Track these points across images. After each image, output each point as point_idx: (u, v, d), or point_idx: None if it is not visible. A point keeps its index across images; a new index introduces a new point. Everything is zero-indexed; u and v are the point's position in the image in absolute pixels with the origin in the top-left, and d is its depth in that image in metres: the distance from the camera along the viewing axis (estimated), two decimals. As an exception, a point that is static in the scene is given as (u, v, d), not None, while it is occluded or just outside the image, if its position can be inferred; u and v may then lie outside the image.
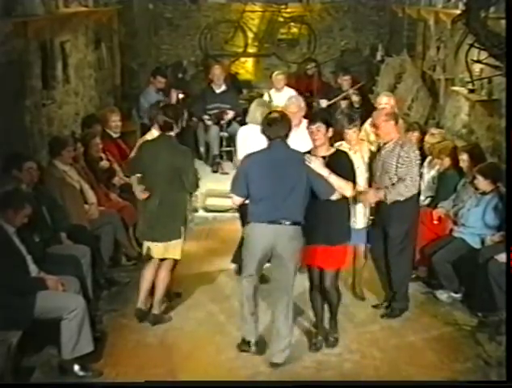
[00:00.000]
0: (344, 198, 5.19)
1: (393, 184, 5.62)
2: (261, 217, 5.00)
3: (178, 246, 5.70)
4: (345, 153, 5.40)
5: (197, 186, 5.76)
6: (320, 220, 5.11)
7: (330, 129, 5.16)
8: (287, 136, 5.05)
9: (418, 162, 5.73)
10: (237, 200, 5.21)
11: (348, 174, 5.17)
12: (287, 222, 4.96)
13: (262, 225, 5.01)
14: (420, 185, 6.02)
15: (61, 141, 6.66)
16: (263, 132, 5.08)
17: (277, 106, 9.36)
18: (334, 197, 5.07)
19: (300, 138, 5.58)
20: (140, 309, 5.77)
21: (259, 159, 5.04)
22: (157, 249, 5.70)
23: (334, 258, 5.26)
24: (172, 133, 5.66)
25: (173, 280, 5.97)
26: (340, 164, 5.16)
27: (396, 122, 5.76)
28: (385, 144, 5.73)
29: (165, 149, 5.57)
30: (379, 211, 5.82)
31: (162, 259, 5.76)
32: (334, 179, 5.02)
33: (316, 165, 4.99)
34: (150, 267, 5.78)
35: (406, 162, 5.57)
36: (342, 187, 5.08)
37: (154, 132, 6.13)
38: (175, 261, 5.81)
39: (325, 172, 4.99)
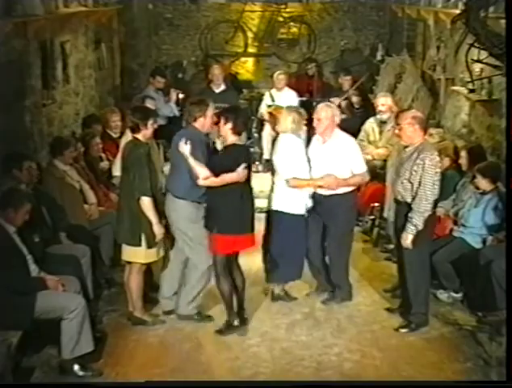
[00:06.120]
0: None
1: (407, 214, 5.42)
2: None
3: (139, 252, 5.49)
4: None
5: (143, 193, 5.32)
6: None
7: None
8: None
9: (436, 171, 5.35)
10: None
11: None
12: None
13: None
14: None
15: (64, 141, 6.67)
16: None
17: (278, 105, 9.41)
18: None
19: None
20: (131, 311, 5.76)
21: None
22: (123, 251, 5.65)
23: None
24: (139, 136, 5.45)
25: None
26: None
27: (422, 128, 5.48)
28: (406, 147, 5.53)
29: (126, 149, 5.53)
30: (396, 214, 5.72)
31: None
32: None
33: None
34: (125, 269, 5.76)
35: (420, 168, 5.31)
36: None
37: (128, 133, 5.89)
38: (145, 265, 5.66)
39: None
